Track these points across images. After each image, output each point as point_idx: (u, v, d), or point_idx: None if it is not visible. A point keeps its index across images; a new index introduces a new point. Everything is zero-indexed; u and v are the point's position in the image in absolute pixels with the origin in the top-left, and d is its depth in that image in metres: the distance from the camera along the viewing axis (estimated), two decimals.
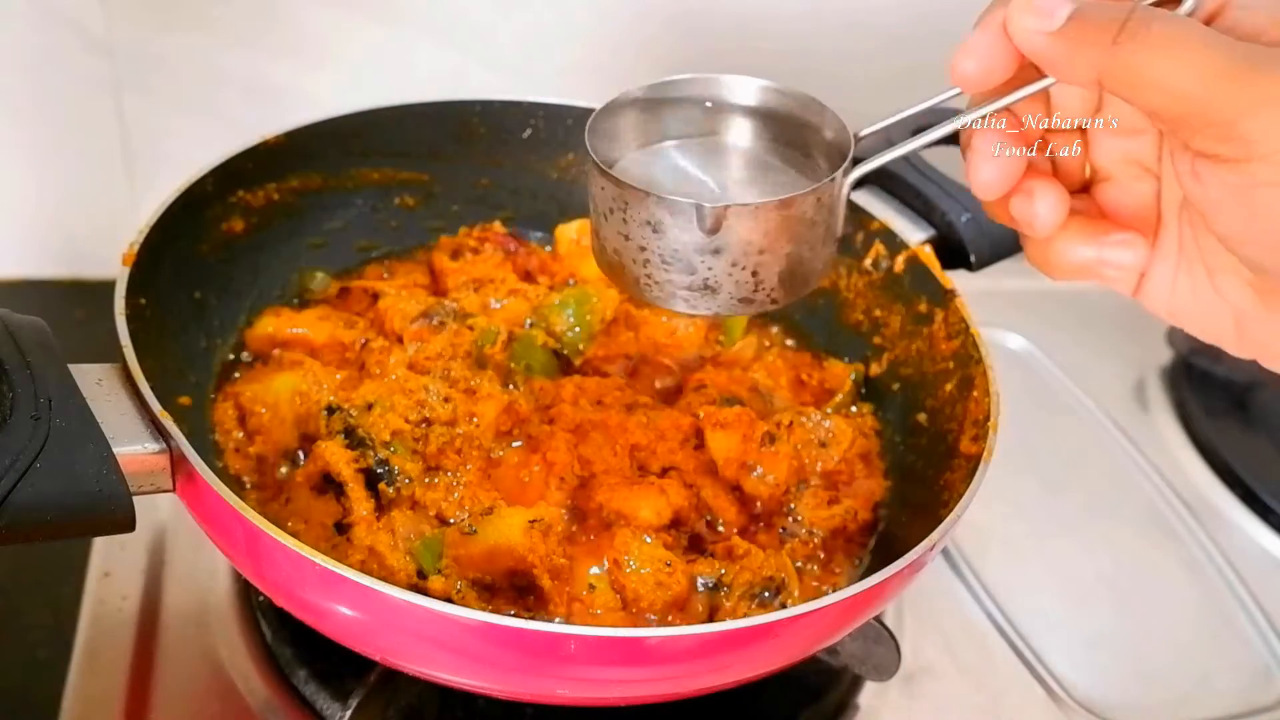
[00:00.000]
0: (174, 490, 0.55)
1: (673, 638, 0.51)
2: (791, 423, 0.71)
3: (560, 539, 0.62)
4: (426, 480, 0.65)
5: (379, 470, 0.63)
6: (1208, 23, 0.46)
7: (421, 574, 0.60)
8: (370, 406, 0.66)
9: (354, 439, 0.64)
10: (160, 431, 0.53)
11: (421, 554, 0.60)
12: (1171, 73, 0.43)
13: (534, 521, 0.61)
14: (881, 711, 0.71)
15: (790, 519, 0.69)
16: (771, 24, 1.04)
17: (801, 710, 0.70)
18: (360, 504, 0.62)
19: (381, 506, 0.63)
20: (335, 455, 0.63)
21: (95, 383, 0.55)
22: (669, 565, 0.62)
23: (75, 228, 1.00)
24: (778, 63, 1.07)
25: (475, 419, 0.68)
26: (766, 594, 0.62)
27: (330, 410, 0.66)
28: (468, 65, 0.99)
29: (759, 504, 0.69)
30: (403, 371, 0.70)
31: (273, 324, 0.74)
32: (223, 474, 0.65)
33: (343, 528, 0.62)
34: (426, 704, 0.64)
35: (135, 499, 0.51)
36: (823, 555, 0.68)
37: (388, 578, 0.58)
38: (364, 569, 0.57)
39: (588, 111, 0.87)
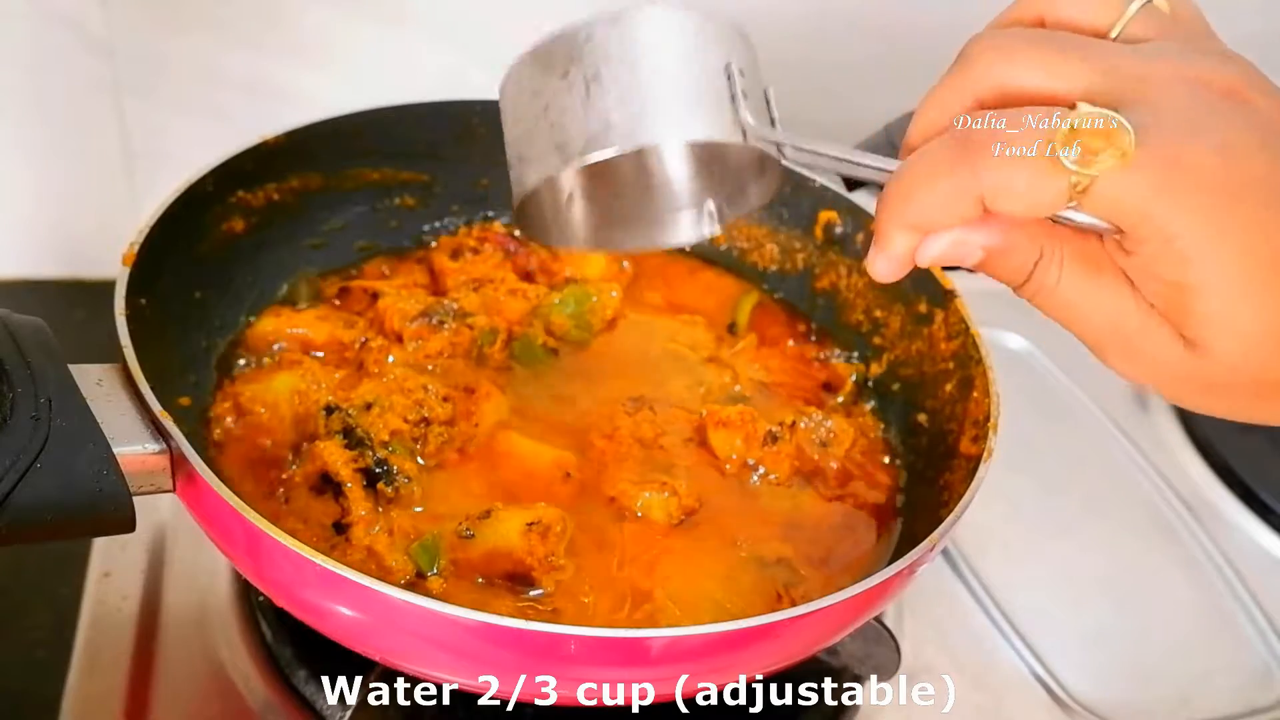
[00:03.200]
0: (174, 490, 0.55)
1: (673, 638, 0.51)
2: (794, 422, 0.71)
3: (560, 539, 0.62)
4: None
5: (378, 470, 0.63)
6: None
7: (420, 574, 0.60)
8: (369, 406, 0.66)
9: (352, 439, 0.64)
10: (160, 432, 0.53)
11: (419, 556, 0.60)
12: (1077, 331, 0.45)
13: (531, 524, 0.61)
14: (882, 712, 0.71)
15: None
16: (771, 23, 1.04)
17: (802, 710, 0.70)
18: (359, 504, 0.62)
19: (381, 506, 0.63)
20: (333, 455, 0.63)
21: (95, 383, 0.54)
22: None
23: (75, 228, 1.00)
24: (778, 62, 1.07)
25: (475, 420, 0.68)
26: None
27: (329, 410, 0.66)
28: (468, 65, 0.99)
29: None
30: (401, 370, 0.69)
31: (272, 324, 0.74)
32: (222, 474, 0.65)
33: (341, 527, 0.62)
34: (427, 704, 0.64)
35: (135, 499, 0.51)
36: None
37: (385, 577, 0.58)
38: (362, 569, 0.57)
39: None
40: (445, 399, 0.68)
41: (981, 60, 0.44)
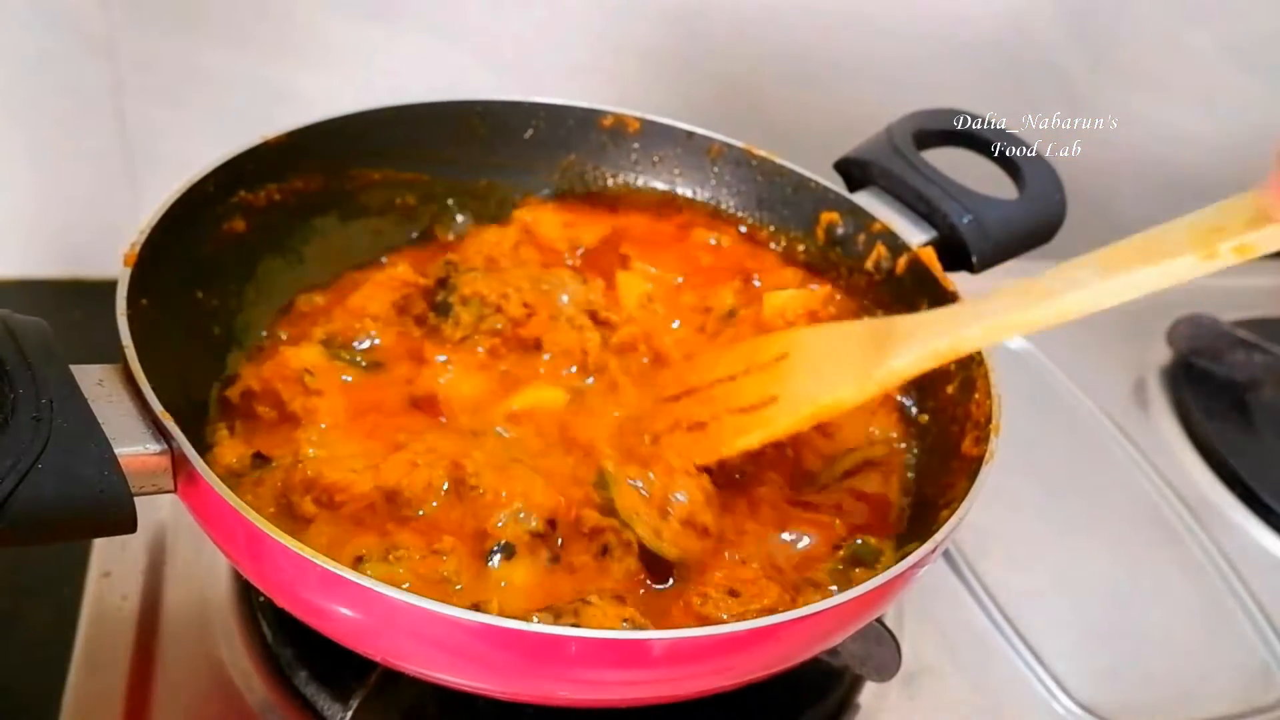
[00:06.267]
0: (175, 491, 0.55)
1: (675, 640, 0.51)
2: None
3: None
4: None
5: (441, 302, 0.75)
6: None
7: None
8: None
9: (446, 281, 0.76)
10: (161, 432, 0.53)
11: None
12: None
13: None
14: (882, 711, 0.71)
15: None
16: (771, 23, 1.04)
17: (803, 710, 0.70)
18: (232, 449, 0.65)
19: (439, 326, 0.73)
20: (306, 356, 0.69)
21: (96, 383, 0.54)
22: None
23: (76, 228, 1.00)
24: (777, 62, 1.07)
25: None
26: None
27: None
28: (468, 65, 1.00)
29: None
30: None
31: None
32: (224, 474, 0.65)
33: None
34: (427, 705, 0.64)
35: (136, 499, 0.51)
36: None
37: None
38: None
39: (589, 111, 0.87)
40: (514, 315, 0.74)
41: None
